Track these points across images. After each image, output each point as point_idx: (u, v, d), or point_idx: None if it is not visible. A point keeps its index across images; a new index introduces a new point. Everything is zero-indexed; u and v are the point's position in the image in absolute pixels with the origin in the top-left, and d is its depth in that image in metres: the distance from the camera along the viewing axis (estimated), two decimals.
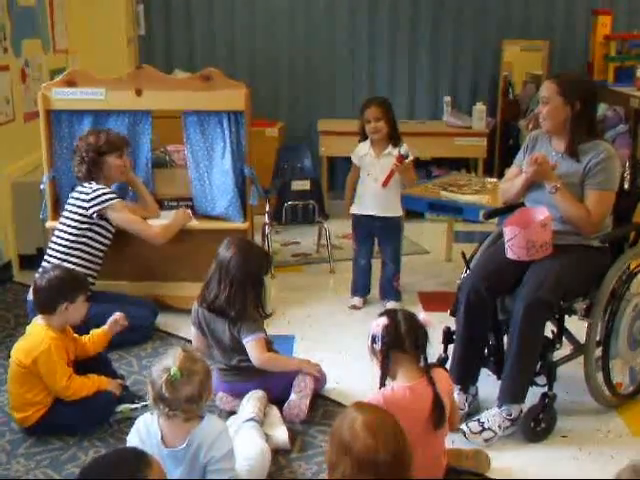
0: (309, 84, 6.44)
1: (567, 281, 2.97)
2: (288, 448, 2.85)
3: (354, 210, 4.22)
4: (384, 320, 2.46)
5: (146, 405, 2.85)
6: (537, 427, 2.94)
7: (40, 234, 4.42)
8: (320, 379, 3.22)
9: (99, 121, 4.01)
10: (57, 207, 4.05)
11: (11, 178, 4.66)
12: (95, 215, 3.67)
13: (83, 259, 3.67)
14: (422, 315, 2.54)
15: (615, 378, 3.16)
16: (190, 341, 3.46)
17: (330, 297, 4.44)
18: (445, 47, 6.37)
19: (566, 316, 3.08)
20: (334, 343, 3.77)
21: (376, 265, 4.32)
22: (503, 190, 3.38)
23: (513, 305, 2.97)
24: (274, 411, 3.00)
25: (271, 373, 3.09)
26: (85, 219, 3.68)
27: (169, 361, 2.29)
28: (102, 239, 3.74)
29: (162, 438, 2.33)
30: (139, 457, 1.86)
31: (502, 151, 6.27)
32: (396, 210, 4.18)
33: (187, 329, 3.59)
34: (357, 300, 4.28)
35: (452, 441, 2.77)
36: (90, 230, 3.69)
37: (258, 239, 4.69)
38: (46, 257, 3.72)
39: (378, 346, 2.45)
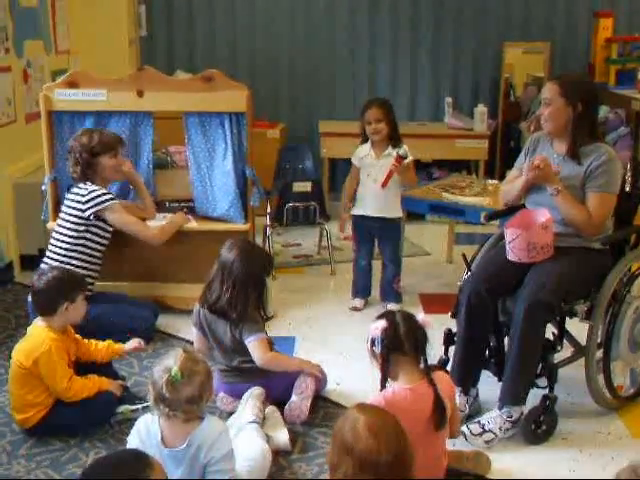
0: (310, 85, 6.45)
1: (568, 283, 2.97)
2: (289, 449, 2.85)
3: (354, 211, 4.23)
4: (383, 323, 2.46)
5: (147, 406, 2.85)
6: (538, 429, 2.94)
7: (41, 235, 4.42)
8: (321, 380, 3.22)
9: (101, 122, 4.01)
10: (58, 208, 4.04)
11: (12, 179, 4.66)
12: (92, 216, 3.65)
13: (83, 260, 3.66)
14: (421, 316, 2.54)
15: (616, 380, 3.15)
16: (191, 342, 3.46)
17: (331, 298, 4.44)
18: (446, 49, 6.38)
19: (567, 318, 3.08)
20: (335, 344, 3.77)
21: (376, 266, 4.32)
22: (504, 192, 3.38)
23: (514, 307, 2.97)
24: (275, 412, 3.00)
25: (272, 374, 3.09)
26: (82, 221, 3.66)
27: (170, 361, 2.30)
28: (100, 240, 3.73)
29: (162, 439, 2.34)
30: (141, 458, 1.86)
31: (503, 153, 6.28)
32: (396, 211, 4.18)
33: (188, 330, 3.60)
34: (358, 301, 4.28)
35: (453, 443, 2.76)
36: (88, 232, 3.67)
37: (259, 240, 4.69)
38: (45, 260, 3.70)
39: (378, 349, 2.45)
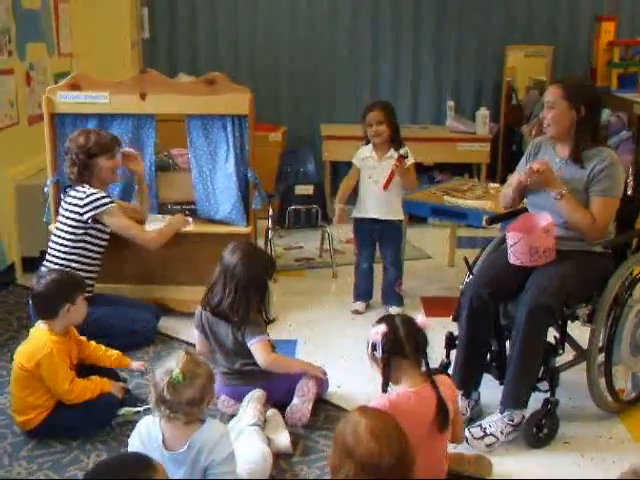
0: (312, 89, 6.47)
1: (570, 287, 2.96)
2: (290, 452, 2.85)
3: (355, 214, 4.23)
4: (383, 327, 2.46)
5: (148, 408, 2.85)
6: (539, 433, 2.93)
7: (43, 237, 4.39)
8: (323, 383, 3.22)
9: (103, 124, 4.01)
10: None
11: (15, 181, 4.67)
12: (90, 220, 3.63)
13: (83, 263, 3.65)
14: (419, 318, 2.54)
15: (617, 384, 3.15)
16: (192, 344, 3.46)
17: (332, 302, 4.44)
18: (448, 52, 6.40)
19: (569, 322, 3.08)
20: (336, 347, 3.76)
21: (378, 270, 4.32)
22: (502, 195, 3.39)
23: (515, 310, 2.97)
24: (276, 415, 3.00)
25: (273, 377, 3.09)
26: (81, 224, 3.64)
27: (172, 364, 2.30)
28: (99, 242, 3.72)
29: (163, 441, 2.34)
30: (143, 462, 1.86)
31: (505, 156, 6.28)
32: (397, 214, 4.18)
33: (189, 333, 3.60)
34: (359, 305, 4.28)
35: (454, 446, 2.76)
36: (87, 234, 3.66)
37: (261, 243, 4.69)
38: (45, 263, 3.69)
39: (379, 354, 2.45)
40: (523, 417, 2.96)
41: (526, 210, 3.29)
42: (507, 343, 3.11)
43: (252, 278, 3.07)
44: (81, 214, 3.62)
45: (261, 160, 4.27)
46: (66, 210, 3.68)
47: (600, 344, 3.07)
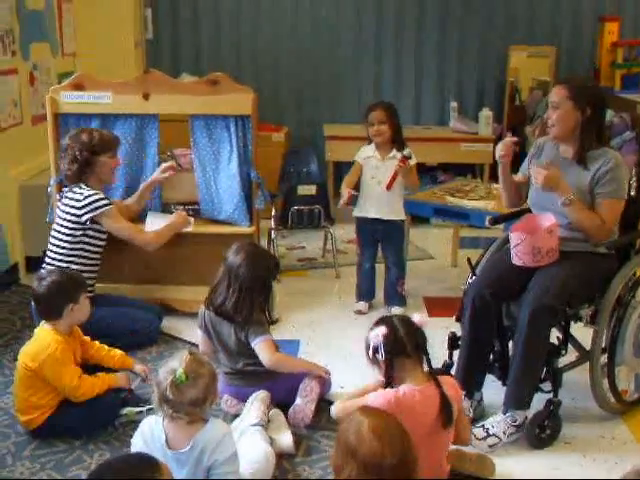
0: (315, 89, 6.46)
1: (573, 287, 2.96)
2: (293, 452, 2.85)
3: (357, 213, 4.23)
4: (383, 329, 2.47)
5: (151, 408, 2.86)
6: (542, 433, 2.93)
7: (46, 237, 4.37)
8: (325, 383, 3.22)
9: (106, 124, 4.02)
10: None
11: (18, 181, 4.67)
12: (88, 221, 3.62)
13: (82, 264, 3.64)
14: (416, 316, 2.57)
15: (620, 385, 3.15)
16: (195, 345, 3.47)
17: (335, 302, 4.44)
18: (451, 52, 6.39)
19: (572, 322, 3.07)
20: (339, 348, 3.76)
21: (381, 270, 4.32)
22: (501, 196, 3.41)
23: (518, 311, 2.97)
24: (279, 415, 3.00)
25: (276, 377, 3.09)
26: (79, 226, 3.62)
27: (175, 363, 2.30)
28: (98, 242, 3.71)
29: (166, 441, 2.34)
30: (148, 462, 1.86)
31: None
32: (399, 214, 4.19)
33: (192, 333, 3.60)
34: (362, 305, 4.28)
35: (456, 447, 2.76)
36: (85, 235, 3.65)
37: (264, 243, 4.70)
38: (45, 265, 3.68)
39: (381, 356, 2.46)
40: (526, 418, 2.96)
41: (529, 210, 3.29)
42: (510, 344, 3.11)
43: (256, 279, 3.07)
44: (79, 216, 3.61)
45: (264, 160, 4.28)
46: (63, 212, 3.66)
47: (603, 345, 3.06)
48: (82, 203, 3.61)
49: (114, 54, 5.64)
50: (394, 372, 2.46)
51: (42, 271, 3.50)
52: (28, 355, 2.94)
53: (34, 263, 4.54)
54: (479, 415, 3.07)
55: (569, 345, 3.09)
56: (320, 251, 5.27)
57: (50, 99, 4.00)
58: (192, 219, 4.04)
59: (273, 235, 4.87)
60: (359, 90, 6.43)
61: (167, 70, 4.74)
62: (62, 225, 3.66)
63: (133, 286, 4.07)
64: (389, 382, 2.47)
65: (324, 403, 3.18)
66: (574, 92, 3.02)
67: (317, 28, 6.38)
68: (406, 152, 4.01)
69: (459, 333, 3.16)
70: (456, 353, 3.17)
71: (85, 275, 3.49)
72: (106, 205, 3.63)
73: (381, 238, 4.24)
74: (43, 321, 3.04)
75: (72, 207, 3.63)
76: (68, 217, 3.63)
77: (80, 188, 3.66)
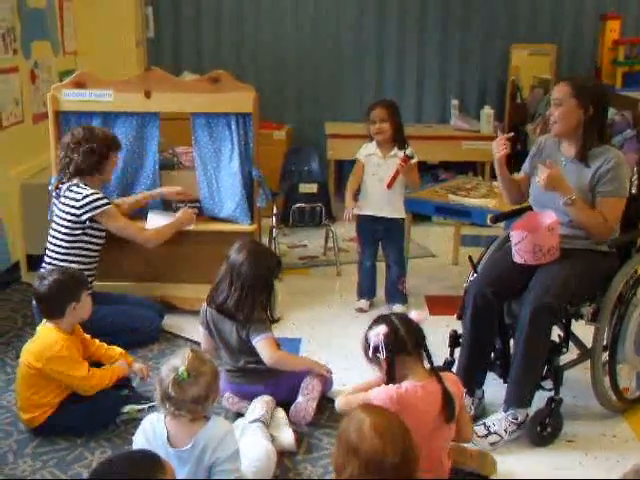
0: (316, 87, 6.47)
1: (574, 286, 2.96)
2: (294, 450, 2.85)
3: (358, 212, 4.23)
4: (383, 328, 2.47)
5: (152, 406, 2.87)
6: (543, 431, 2.93)
7: (47, 236, 4.44)
8: (327, 381, 3.22)
9: (107, 122, 4.02)
10: None
11: (19, 179, 4.68)
12: (88, 221, 3.62)
13: (82, 263, 3.63)
14: (413, 313, 2.57)
15: (622, 383, 3.15)
16: (196, 343, 3.47)
17: (336, 300, 4.44)
18: (453, 51, 6.39)
19: (573, 320, 3.08)
20: (340, 346, 3.76)
21: (381, 268, 4.32)
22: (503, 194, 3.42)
23: (519, 309, 2.97)
24: (280, 413, 3.01)
25: (278, 375, 3.09)
26: (78, 225, 3.62)
27: (178, 361, 2.31)
28: (97, 240, 3.70)
29: (168, 438, 2.34)
30: (151, 459, 1.86)
31: (509, 155, 6.25)
32: (399, 212, 4.19)
33: (193, 330, 3.60)
34: (363, 303, 4.29)
35: (457, 443, 2.76)
36: (84, 234, 3.64)
37: (265, 241, 4.70)
38: (44, 265, 3.68)
39: (382, 355, 2.46)
40: (527, 416, 2.96)
41: (531, 208, 3.28)
42: (511, 341, 3.11)
43: (258, 277, 3.07)
44: (78, 215, 3.60)
45: (265, 158, 4.28)
46: (62, 211, 3.65)
47: (604, 343, 3.06)
48: (81, 203, 3.60)
49: (115, 52, 5.65)
50: (395, 370, 2.47)
51: (43, 270, 3.50)
52: (32, 354, 2.94)
53: (35, 261, 4.54)
54: (480, 413, 3.08)
55: (570, 343, 3.10)
56: (321, 249, 5.27)
57: (51, 97, 4.00)
58: (195, 213, 4.04)
59: (274, 233, 4.87)
60: (360, 88, 6.43)
61: (168, 68, 4.74)
62: (61, 224, 3.66)
63: (134, 284, 4.07)
64: (391, 380, 2.47)
65: (326, 401, 3.19)
66: (577, 90, 3.02)
67: (319, 26, 6.38)
68: (408, 152, 4.01)
69: (460, 331, 3.17)
70: (457, 351, 3.17)
71: (85, 273, 3.49)
72: (105, 204, 3.63)
73: (382, 236, 4.24)
74: (45, 319, 3.04)
75: (71, 206, 3.62)
76: (67, 216, 3.63)
77: (78, 187, 3.64)
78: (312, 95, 6.49)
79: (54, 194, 3.78)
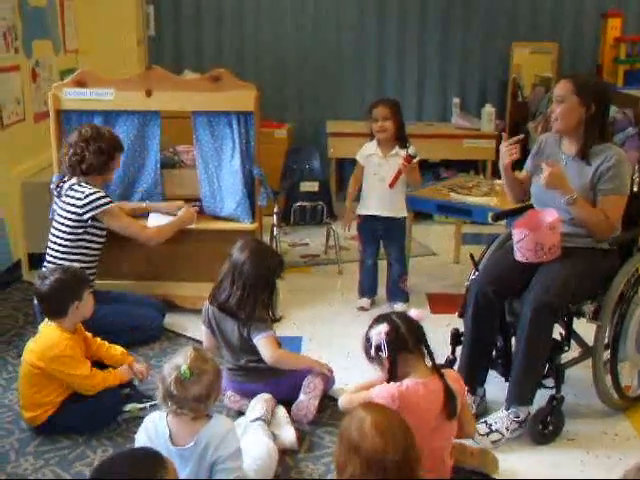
0: (317, 86, 6.46)
1: (575, 284, 2.96)
2: (295, 448, 2.85)
3: (359, 211, 4.23)
4: (384, 327, 2.48)
5: (154, 404, 2.86)
6: (545, 429, 2.93)
7: (48, 234, 4.44)
8: (329, 380, 3.22)
9: (109, 121, 4.02)
10: None
11: (21, 178, 4.68)
12: (90, 219, 3.62)
13: (83, 261, 3.63)
14: (412, 312, 2.58)
15: (623, 381, 3.15)
16: (198, 341, 3.47)
17: (338, 298, 4.44)
18: (454, 49, 6.38)
19: (574, 318, 3.07)
20: (341, 344, 3.76)
21: (383, 266, 4.32)
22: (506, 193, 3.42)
23: (521, 307, 2.97)
24: (282, 411, 3.01)
25: (279, 374, 3.09)
26: (80, 224, 3.62)
27: (180, 359, 2.31)
28: (99, 238, 3.70)
29: (170, 437, 2.34)
30: (153, 457, 1.87)
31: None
32: (401, 211, 4.19)
33: (195, 329, 3.61)
34: (364, 301, 4.29)
35: (459, 441, 2.76)
36: (86, 233, 3.64)
37: (266, 240, 4.70)
38: (45, 263, 3.68)
39: (385, 353, 2.46)
40: (528, 414, 2.96)
41: (532, 207, 3.28)
42: (513, 340, 3.11)
43: (260, 276, 3.07)
44: (80, 214, 3.60)
45: (266, 157, 4.27)
46: (64, 209, 3.65)
47: (606, 341, 3.06)
48: (84, 201, 3.60)
49: (116, 51, 5.64)
50: (398, 368, 2.47)
51: (44, 269, 3.50)
52: (35, 353, 2.94)
53: (36, 260, 4.55)
54: (482, 411, 3.08)
55: (572, 341, 3.10)
56: (323, 248, 5.27)
57: (52, 96, 4.00)
58: (196, 208, 4.05)
59: (275, 232, 4.87)
60: (361, 87, 6.42)
61: (169, 67, 4.74)
62: (63, 223, 3.66)
63: (135, 282, 4.07)
64: (393, 379, 2.48)
65: (327, 399, 3.19)
66: (580, 87, 3.02)
67: (319, 25, 6.37)
68: (411, 151, 4.01)
69: (462, 329, 3.17)
70: (459, 349, 3.17)
71: (86, 272, 3.50)
72: (108, 203, 3.64)
73: (383, 235, 4.24)
74: (47, 319, 3.04)
75: (73, 205, 3.62)
76: (69, 215, 3.63)
77: (80, 186, 3.65)
78: (313, 94, 6.48)
79: (55, 193, 3.77)
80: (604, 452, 2.90)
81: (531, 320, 2.86)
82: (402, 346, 2.47)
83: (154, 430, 2.37)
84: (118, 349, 3.23)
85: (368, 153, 4.14)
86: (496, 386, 3.13)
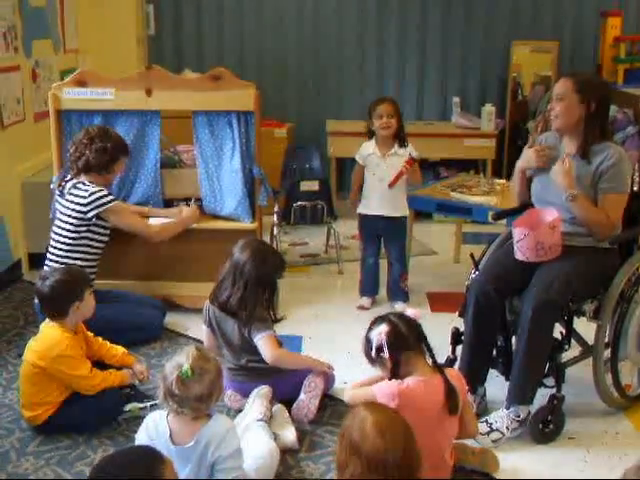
0: (318, 85, 6.46)
1: (576, 283, 2.96)
2: (296, 448, 2.86)
3: (360, 210, 4.23)
4: (384, 327, 2.49)
5: (155, 404, 2.87)
6: (545, 428, 2.93)
7: (49, 233, 4.44)
8: (329, 379, 3.22)
9: (109, 121, 4.01)
10: None
11: (21, 177, 4.68)
12: (94, 218, 3.63)
13: (85, 260, 3.64)
14: (409, 311, 2.60)
15: (624, 380, 3.15)
16: (198, 341, 3.47)
17: (338, 298, 4.44)
18: (454, 48, 6.39)
19: (575, 317, 3.07)
20: (342, 344, 3.76)
21: (383, 265, 4.32)
22: (511, 187, 3.41)
23: (521, 306, 2.97)
24: (282, 411, 3.00)
25: (279, 374, 3.09)
26: (84, 222, 3.62)
27: (182, 358, 2.31)
28: (101, 237, 3.71)
29: (171, 436, 2.34)
30: (152, 455, 1.87)
31: (511, 152, 6.26)
32: (402, 210, 4.19)
33: (196, 329, 3.61)
34: (365, 300, 4.29)
35: (459, 441, 2.76)
36: (89, 231, 3.65)
37: (266, 239, 4.69)
38: (47, 262, 3.68)
39: (386, 353, 2.46)
40: (529, 413, 2.96)
41: (533, 205, 3.28)
42: (513, 339, 3.11)
43: (261, 277, 3.07)
44: (84, 212, 3.61)
45: (267, 156, 4.27)
46: (67, 208, 3.65)
47: (606, 340, 3.06)
48: (88, 200, 3.61)
49: (116, 50, 5.65)
50: (400, 368, 2.47)
51: (45, 269, 3.50)
52: (36, 353, 2.94)
53: (37, 260, 4.55)
54: (482, 410, 3.08)
55: (572, 340, 3.09)
56: (323, 247, 5.27)
57: (52, 96, 4.00)
58: (197, 206, 4.06)
59: (276, 231, 4.87)
60: (362, 86, 6.43)
61: (169, 66, 4.76)
62: (65, 221, 3.66)
63: (136, 282, 4.07)
64: (395, 379, 2.48)
65: (328, 399, 3.19)
66: (580, 85, 3.02)
67: (320, 24, 6.37)
68: (415, 154, 4.03)
69: (462, 328, 3.17)
70: (459, 348, 3.17)
71: (88, 270, 3.51)
72: (112, 201, 3.65)
73: (384, 234, 4.25)
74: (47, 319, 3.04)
75: (77, 204, 3.62)
76: (73, 213, 3.63)
77: (84, 184, 3.65)
78: (313, 93, 6.48)
79: (57, 192, 3.78)
80: (605, 451, 2.90)
81: (532, 319, 2.86)
82: (403, 345, 2.48)
83: (154, 429, 2.38)
84: (119, 349, 3.24)
85: (367, 153, 4.15)
86: (496, 385, 3.13)
